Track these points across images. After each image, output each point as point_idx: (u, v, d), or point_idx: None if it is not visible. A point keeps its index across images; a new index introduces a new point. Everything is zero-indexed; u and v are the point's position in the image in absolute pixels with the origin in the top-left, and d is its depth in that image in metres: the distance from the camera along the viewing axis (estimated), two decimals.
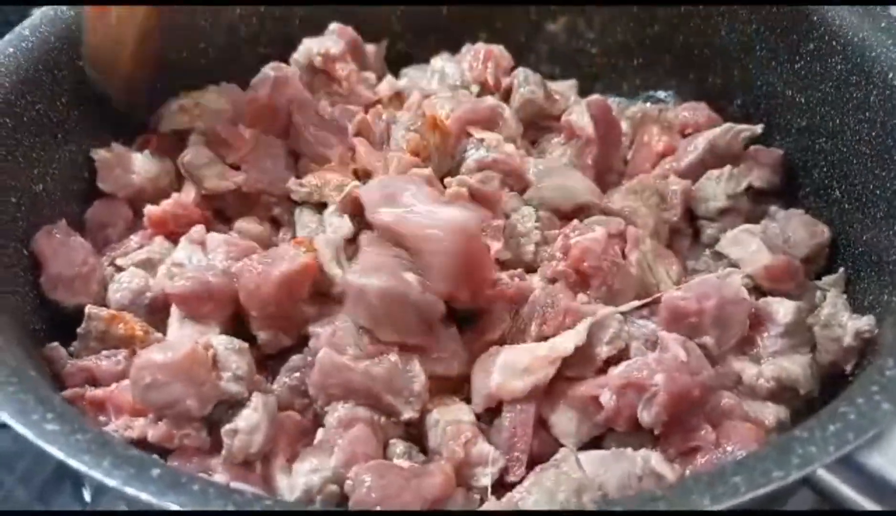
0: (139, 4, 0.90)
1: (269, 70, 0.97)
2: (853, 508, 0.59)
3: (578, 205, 0.89)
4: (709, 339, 0.78)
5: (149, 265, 0.88)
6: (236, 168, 0.95)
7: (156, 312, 0.83)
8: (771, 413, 0.78)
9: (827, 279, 0.90)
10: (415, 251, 0.76)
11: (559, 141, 0.98)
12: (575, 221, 0.86)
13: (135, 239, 0.92)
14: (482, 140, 0.92)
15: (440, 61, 1.08)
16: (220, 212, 0.96)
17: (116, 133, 0.98)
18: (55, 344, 0.81)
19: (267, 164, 0.94)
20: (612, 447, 0.74)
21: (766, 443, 0.70)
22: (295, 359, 0.78)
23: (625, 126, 1.03)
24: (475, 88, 1.03)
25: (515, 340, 0.78)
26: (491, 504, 0.70)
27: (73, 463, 0.57)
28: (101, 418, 0.76)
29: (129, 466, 0.56)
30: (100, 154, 0.95)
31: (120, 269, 0.89)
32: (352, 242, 0.83)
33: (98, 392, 0.76)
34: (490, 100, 0.98)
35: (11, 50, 0.88)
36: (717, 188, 0.95)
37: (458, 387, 0.78)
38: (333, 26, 1.07)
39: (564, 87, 1.10)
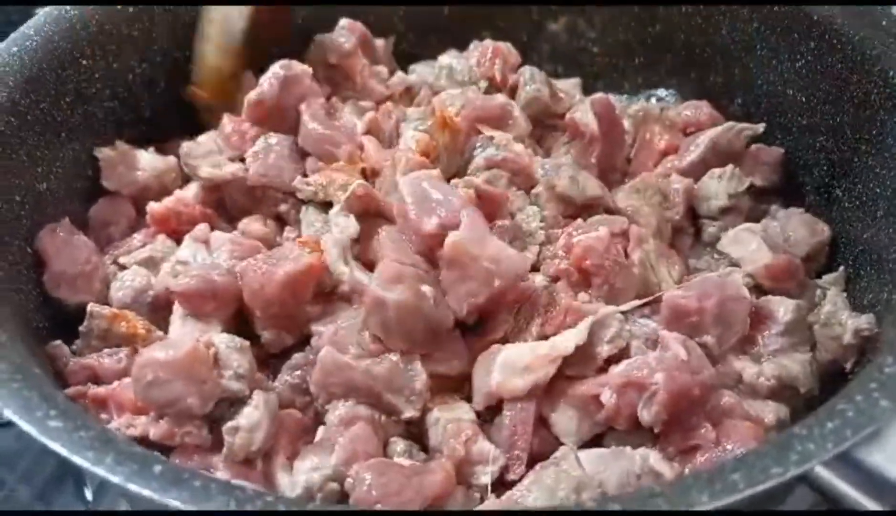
0: (141, 5, 0.91)
1: (279, 68, 0.96)
2: (852, 506, 0.59)
3: (590, 198, 0.89)
4: (710, 338, 0.78)
5: (151, 263, 0.88)
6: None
7: (158, 310, 0.84)
8: (771, 411, 0.78)
9: (827, 277, 0.90)
10: (453, 267, 0.76)
11: (564, 139, 0.99)
12: (579, 220, 0.86)
13: (138, 237, 0.93)
14: (492, 138, 0.92)
15: (448, 57, 1.08)
16: (224, 210, 0.96)
17: (120, 132, 0.98)
18: (58, 341, 0.81)
19: (271, 159, 0.94)
20: (612, 445, 0.74)
21: (766, 441, 0.70)
22: (297, 357, 0.79)
23: (627, 125, 1.03)
24: (483, 84, 1.03)
25: (516, 339, 0.78)
26: (491, 502, 0.70)
27: (77, 459, 0.57)
28: (104, 416, 0.76)
29: (131, 463, 0.57)
30: (104, 152, 0.95)
31: (123, 268, 0.89)
32: (357, 241, 0.83)
33: (100, 390, 0.77)
34: (500, 97, 0.98)
35: (16, 49, 0.88)
36: (718, 187, 0.95)
37: (458, 385, 0.78)
38: (343, 22, 1.07)
39: (569, 86, 1.10)
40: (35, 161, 0.87)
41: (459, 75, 1.05)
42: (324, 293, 0.80)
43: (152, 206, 0.91)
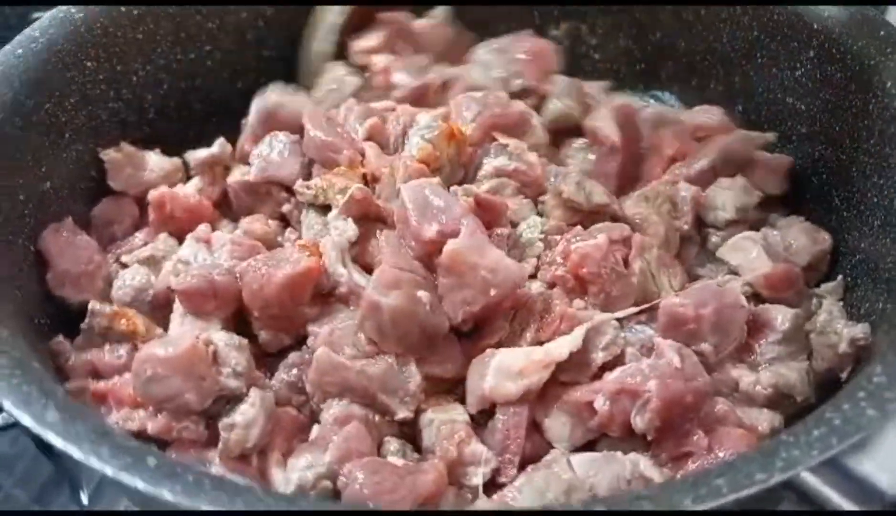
0: (146, 5, 0.93)
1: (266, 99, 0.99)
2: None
3: (596, 205, 0.88)
4: (706, 346, 0.78)
5: (152, 262, 0.89)
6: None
7: (158, 309, 0.85)
8: (765, 420, 0.78)
9: (825, 286, 0.90)
10: (450, 275, 0.76)
11: (581, 144, 0.98)
12: (578, 227, 0.86)
13: (139, 236, 0.94)
14: (506, 146, 0.91)
15: (485, 52, 1.07)
16: (229, 209, 0.98)
17: (123, 133, 0.99)
18: (60, 338, 0.83)
19: (273, 156, 0.95)
20: (604, 450, 0.74)
21: (753, 447, 0.70)
22: (293, 356, 0.80)
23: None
24: (518, 82, 1.02)
25: (511, 344, 0.78)
26: (482, 502, 0.70)
27: (73, 451, 0.58)
28: (104, 410, 0.77)
29: (126, 455, 0.57)
30: (109, 154, 0.97)
31: (125, 266, 0.90)
32: (355, 243, 0.84)
33: (100, 385, 0.78)
34: (520, 104, 0.97)
35: (21, 51, 0.89)
36: (726, 198, 0.94)
37: (453, 387, 0.79)
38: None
39: (595, 89, 1.08)
40: (39, 161, 0.89)
41: (495, 72, 1.03)
42: (321, 294, 0.81)
43: (152, 193, 0.93)
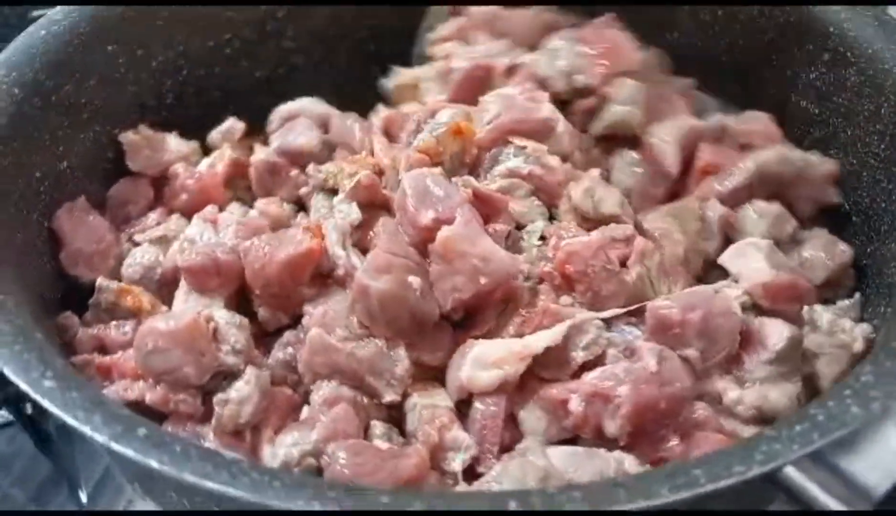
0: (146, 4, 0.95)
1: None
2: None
3: (603, 215, 0.85)
4: (692, 352, 0.76)
5: (164, 241, 0.91)
6: None
7: (165, 286, 0.87)
8: (749, 430, 0.76)
9: (841, 304, 0.85)
10: (441, 261, 0.76)
11: (632, 160, 0.93)
12: (574, 225, 0.85)
13: (153, 216, 0.96)
14: (524, 148, 0.88)
15: (560, 40, 0.99)
16: (248, 191, 1.00)
17: (142, 116, 1.02)
18: (68, 313, 0.85)
19: (295, 131, 0.98)
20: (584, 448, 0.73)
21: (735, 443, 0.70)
22: (288, 334, 0.81)
23: None
24: (581, 78, 0.94)
25: (495, 336, 0.78)
26: (462, 488, 0.70)
27: (67, 417, 0.60)
28: (107, 384, 0.79)
29: (117, 424, 0.59)
30: (128, 137, 0.99)
31: (137, 245, 0.93)
32: (359, 228, 0.85)
33: (105, 359, 0.80)
34: (545, 110, 0.91)
35: (43, 32, 0.91)
36: (758, 226, 0.88)
37: (441, 374, 0.79)
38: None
39: (675, 89, 1.02)
40: (57, 140, 0.91)
41: (561, 62, 0.96)
42: (321, 276, 0.82)
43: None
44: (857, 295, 0.86)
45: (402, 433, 0.77)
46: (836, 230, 0.92)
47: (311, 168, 0.93)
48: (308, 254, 0.81)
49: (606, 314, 0.78)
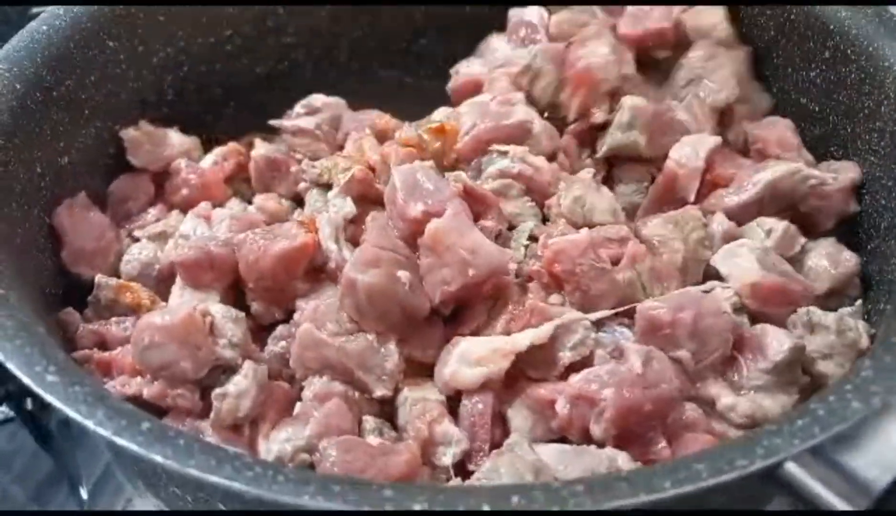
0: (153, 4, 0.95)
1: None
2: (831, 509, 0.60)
3: (592, 224, 0.84)
4: (683, 353, 0.75)
5: (163, 237, 0.92)
6: None
7: (163, 282, 0.87)
8: (739, 433, 0.74)
9: (842, 311, 0.83)
10: (430, 254, 0.76)
11: (640, 176, 0.92)
12: (563, 222, 0.84)
13: (153, 211, 0.96)
14: (506, 153, 0.89)
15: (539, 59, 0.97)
16: (248, 186, 1.00)
17: (142, 112, 1.02)
18: (69, 309, 0.85)
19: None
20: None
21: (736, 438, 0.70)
22: (281, 328, 0.81)
23: (708, 132, 0.94)
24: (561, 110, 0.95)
25: (483, 333, 0.78)
26: (455, 483, 0.70)
27: (70, 412, 0.60)
28: (107, 379, 0.79)
29: (120, 418, 0.59)
30: (129, 133, 0.99)
31: (137, 241, 0.93)
32: (352, 222, 0.85)
33: (105, 354, 0.80)
34: (520, 113, 0.91)
35: (45, 28, 0.92)
36: (764, 244, 0.85)
37: (433, 370, 0.79)
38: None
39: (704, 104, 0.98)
40: (58, 136, 0.91)
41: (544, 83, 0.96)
42: (314, 270, 0.82)
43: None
44: (858, 302, 0.85)
45: (395, 427, 0.77)
46: (836, 227, 0.92)
47: (305, 163, 0.94)
48: (302, 249, 0.81)
49: (595, 315, 0.77)
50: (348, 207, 0.85)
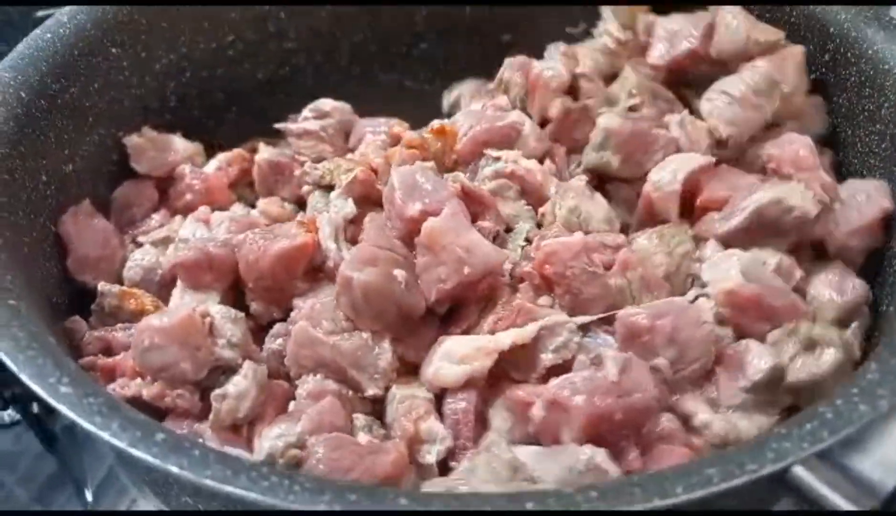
0: (161, 5, 0.95)
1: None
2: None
3: (589, 232, 0.84)
4: (662, 361, 0.73)
5: (167, 243, 0.92)
6: None
7: (165, 287, 0.87)
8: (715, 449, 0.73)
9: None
10: (427, 252, 0.77)
11: (626, 195, 0.90)
12: (558, 225, 0.84)
13: (156, 217, 0.97)
14: (498, 158, 0.90)
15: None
16: (252, 190, 1.01)
17: (145, 119, 1.02)
18: (76, 317, 0.85)
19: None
20: None
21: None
22: (278, 326, 0.82)
23: (702, 151, 0.90)
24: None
25: (472, 332, 0.78)
26: (435, 481, 0.70)
27: (85, 423, 0.60)
28: (111, 384, 0.79)
29: (135, 429, 0.59)
30: (133, 140, 0.99)
31: (140, 247, 0.93)
32: (352, 223, 0.86)
33: (109, 360, 0.80)
34: (512, 116, 0.93)
35: (49, 36, 0.92)
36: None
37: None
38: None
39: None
40: (62, 144, 0.91)
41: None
42: (314, 269, 0.83)
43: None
44: (854, 325, 0.80)
45: (385, 425, 0.77)
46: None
47: (308, 165, 0.95)
48: (302, 248, 0.82)
49: (580, 319, 0.77)
50: (349, 208, 0.86)
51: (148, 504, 0.93)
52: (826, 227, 0.84)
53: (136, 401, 0.75)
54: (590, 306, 0.78)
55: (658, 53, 0.98)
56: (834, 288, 0.82)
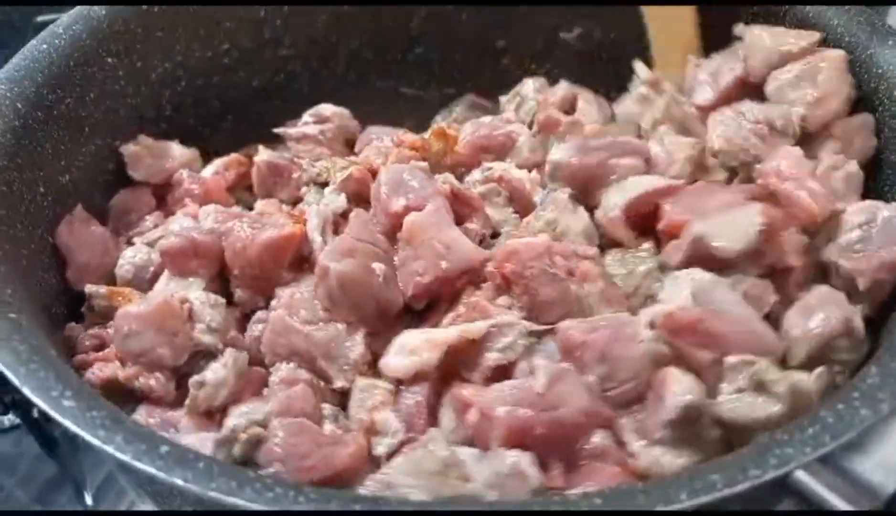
0: (165, 5, 0.95)
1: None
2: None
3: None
4: (591, 378, 0.69)
5: None
6: None
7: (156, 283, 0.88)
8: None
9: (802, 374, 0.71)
10: (407, 246, 0.77)
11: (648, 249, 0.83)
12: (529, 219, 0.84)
13: (150, 218, 0.97)
14: (490, 168, 0.93)
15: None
16: (251, 192, 1.01)
17: (141, 127, 1.02)
18: (72, 324, 0.85)
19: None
20: None
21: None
22: (260, 313, 0.83)
23: (678, 167, 0.88)
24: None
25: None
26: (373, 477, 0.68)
27: (88, 437, 0.60)
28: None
29: (139, 442, 0.59)
30: (129, 148, 0.99)
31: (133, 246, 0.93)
32: (343, 217, 0.86)
33: (99, 354, 0.81)
34: (511, 125, 0.97)
35: (45, 47, 0.92)
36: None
37: None
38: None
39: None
40: (59, 154, 0.91)
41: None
42: (300, 260, 0.83)
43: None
44: (821, 368, 0.71)
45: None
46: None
47: (305, 163, 0.96)
48: (289, 238, 0.82)
49: (530, 324, 0.74)
50: (340, 201, 0.86)
51: (146, 507, 0.93)
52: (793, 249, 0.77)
53: (111, 384, 0.76)
54: (547, 309, 0.75)
55: (704, 95, 0.94)
56: (807, 320, 0.73)
